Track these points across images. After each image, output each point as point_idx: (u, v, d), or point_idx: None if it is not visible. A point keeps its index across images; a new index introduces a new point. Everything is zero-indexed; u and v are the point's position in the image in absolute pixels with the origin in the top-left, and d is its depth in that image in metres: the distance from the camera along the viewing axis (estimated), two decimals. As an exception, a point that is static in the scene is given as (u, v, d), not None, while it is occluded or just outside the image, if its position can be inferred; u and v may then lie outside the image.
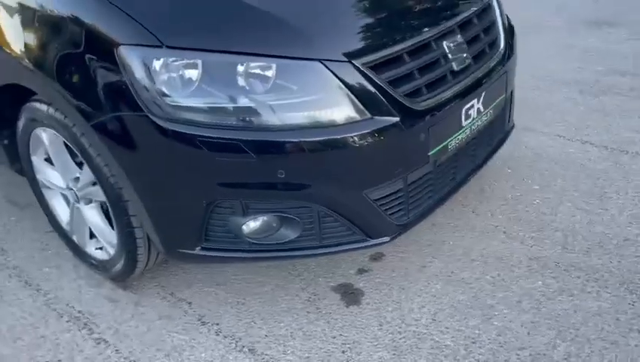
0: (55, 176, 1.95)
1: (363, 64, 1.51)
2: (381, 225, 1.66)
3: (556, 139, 2.68)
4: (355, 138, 1.49)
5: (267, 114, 1.45)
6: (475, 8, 1.90)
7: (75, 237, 2.02)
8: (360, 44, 1.56)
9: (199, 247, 1.63)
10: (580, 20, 4.35)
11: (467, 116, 1.78)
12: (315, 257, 1.70)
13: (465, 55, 1.77)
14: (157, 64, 1.43)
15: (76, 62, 1.51)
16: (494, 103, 1.93)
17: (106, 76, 1.48)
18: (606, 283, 1.82)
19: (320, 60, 1.47)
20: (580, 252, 1.96)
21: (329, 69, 1.47)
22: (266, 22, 1.51)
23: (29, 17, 1.61)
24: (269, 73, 1.46)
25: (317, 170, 1.50)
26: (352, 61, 1.50)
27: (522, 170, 2.44)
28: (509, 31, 2.09)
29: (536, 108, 2.99)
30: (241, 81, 1.44)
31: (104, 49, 1.46)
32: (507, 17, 2.15)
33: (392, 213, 1.67)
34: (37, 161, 1.97)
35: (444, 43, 1.71)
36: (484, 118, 1.88)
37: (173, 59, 1.43)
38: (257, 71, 1.45)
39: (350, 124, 1.50)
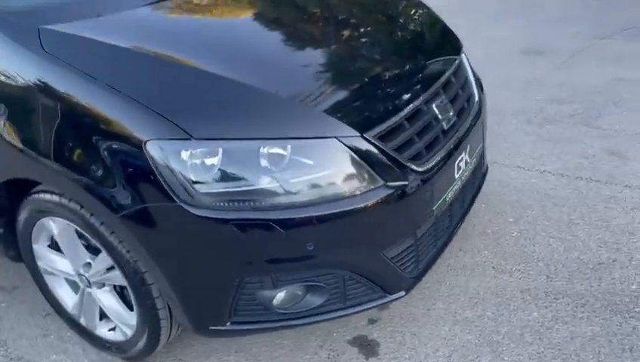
0: (62, 263, 1.92)
1: (373, 136, 1.63)
2: (397, 280, 1.78)
3: (518, 171, 2.92)
4: (374, 204, 1.61)
5: (290, 192, 1.54)
6: (452, 68, 2.08)
7: (82, 321, 2.00)
8: (367, 118, 1.68)
9: (229, 322, 1.67)
10: (511, 51, 4.72)
11: (458, 168, 1.94)
12: (340, 318, 1.79)
13: (451, 113, 1.94)
14: (185, 155, 1.48)
15: (101, 156, 1.53)
16: (476, 152, 2.11)
17: (133, 169, 1.51)
18: (593, 307, 2.03)
19: (335, 137, 1.58)
20: (563, 279, 2.17)
21: (344, 144, 1.58)
22: (284, 106, 1.60)
23: (47, 111, 1.61)
24: (289, 153, 1.54)
25: (342, 238, 1.60)
26: (364, 135, 1.62)
27: (495, 204, 2.65)
28: (478, 83, 2.29)
29: (493, 141, 3.23)
30: (263, 163, 1.52)
31: (131, 143, 1.49)
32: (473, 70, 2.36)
33: (406, 267, 1.79)
34: (39, 248, 1.94)
35: (433, 105, 1.87)
36: (469, 168, 2.05)
37: (201, 149, 1.49)
38: (279, 152, 1.54)
39: (367, 192, 1.61)
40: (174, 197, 1.49)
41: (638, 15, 5.40)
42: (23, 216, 1.88)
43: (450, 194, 1.91)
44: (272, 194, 1.53)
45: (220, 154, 1.50)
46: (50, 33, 1.65)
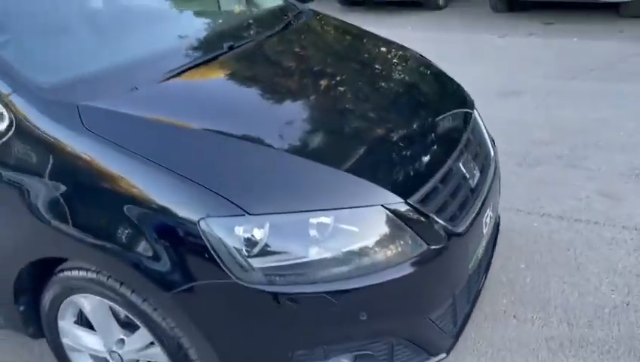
0: (91, 340, 1.85)
1: (415, 201, 1.66)
2: (439, 341, 1.79)
3: (518, 214, 3.01)
4: (421, 269, 1.63)
5: (341, 261, 1.54)
6: (470, 124, 2.15)
7: (110, 398, 1.92)
8: (407, 182, 1.71)
9: (280, 392, 1.64)
10: (488, 93, 4.88)
11: (485, 224, 1.99)
12: (386, 383, 1.79)
13: (475, 171, 2.00)
14: (239, 230, 1.47)
15: (150, 234, 1.50)
16: (496, 206, 2.17)
17: (185, 246, 1.49)
18: (617, 353, 2.09)
19: (381, 204, 1.60)
20: (584, 326, 2.23)
21: (389, 210, 1.60)
22: (330, 175, 1.62)
23: (91, 189, 1.57)
24: (337, 223, 1.56)
25: (394, 305, 1.61)
26: (407, 200, 1.65)
27: (504, 250, 2.71)
28: (491, 138, 2.37)
29: (489, 185, 3.33)
30: (313, 234, 1.53)
31: (184, 221, 1.47)
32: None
33: (446, 327, 1.81)
34: (66, 325, 1.87)
35: (460, 164, 1.93)
36: (492, 222, 2.11)
37: (254, 224, 1.48)
38: (328, 222, 1.55)
39: (415, 257, 1.63)
40: (229, 273, 1.48)
41: (599, 55, 5.71)
42: (49, 294, 1.81)
43: (480, 251, 1.95)
44: (324, 265, 1.53)
45: (273, 228, 1.50)
46: (90, 110, 1.62)
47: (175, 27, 2.25)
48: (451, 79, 2.48)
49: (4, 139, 1.63)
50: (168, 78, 1.84)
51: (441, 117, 2.10)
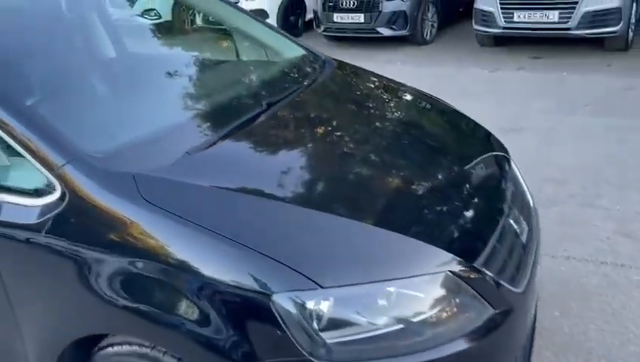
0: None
1: (480, 264, 1.63)
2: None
3: (545, 258, 2.97)
4: (489, 335, 1.58)
5: (413, 332, 1.49)
6: (510, 174, 2.15)
7: None
8: (470, 246, 1.68)
9: None
10: (491, 130, 4.93)
11: (534, 276, 1.97)
12: None
13: (523, 225, 1.98)
14: (313, 304, 1.42)
15: (217, 309, 1.43)
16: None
17: (255, 322, 1.43)
18: (670, 405, 2.06)
19: (449, 270, 1.56)
20: (631, 377, 2.20)
21: (457, 276, 1.56)
22: (398, 242, 1.57)
23: (152, 263, 1.49)
24: (406, 291, 1.51)
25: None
26: (473, 264, 1.61)
27: (536, 297, 2.69)
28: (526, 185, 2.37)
29: (508, 227, 3.32)
30: (384, 304, 1.48)
31: (254, 296, 1.41)
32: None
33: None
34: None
35: (510, 220, 1.91)
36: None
37: (328, 297, 1.43)
38: (398, 291, 1.50)
39: (483, 323, 1.59)
40: (301, 350, 1.41)
41: (592, 89, 5.85)
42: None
43: (533, 305, 1.92)
44: (397, 336, 1.47)
45: (343, 301, 1.45)
46: (147, 179, 1.55)
47: (209, 84, 2.22)
48: (482, 127, 2.49)
49: (56, 211, 1.55)
50: (217, 141, 1.79)
51: (485, 170, 2.09)
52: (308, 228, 1.55)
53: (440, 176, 1.95)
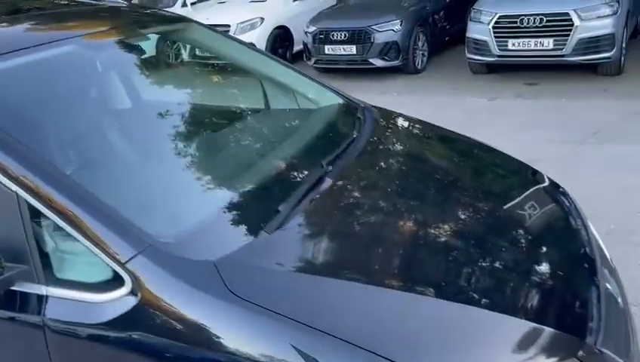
0: None
1: (600, 343, 1.47)
2: None
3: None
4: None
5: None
6: (590, 232, 2.01)
7: None
8: (587, 324, 1.52)
9: None
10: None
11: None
12: None
13: (613, 282, 1.83)
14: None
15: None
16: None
17: None
18: None
19: (576, 357, 1.40)
20: None
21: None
22: (516, 328, 1.41)
23: None
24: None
25: None
26: (596, 346, 1.45)
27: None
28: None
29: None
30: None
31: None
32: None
33: None
34: None
35: (607, 284, 1.76)
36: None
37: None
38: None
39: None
40: None
41: (594, 116, 5.84)
42: None
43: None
44: None
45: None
46: (230, 267, 1.37)
47: (261, 146, 2.05)
48: (557, 185, 2.38)
49: (126, 308, 1.35)
50: (290, 214, 1.61)
51: (564, 230, 1.96)
52: (409, 315, 1.37)
53: (531, 245, 1.80)
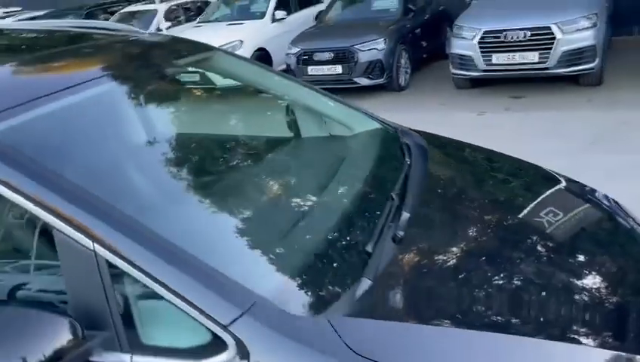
0: None
1: None
2: None
3: None
4: None
5: None
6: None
7: None
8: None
9: None
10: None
11: None
12: None
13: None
14: None
15: None
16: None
17: None
18: None
19: None
20: None
21: None
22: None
23: None
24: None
25: None
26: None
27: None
28: None
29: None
30: None
31: None
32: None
33: None
34: None
35: None
36: None
37: None
38: None
39: None
40: None
41: (587, 125, 5.93)
42: None
43: None
44: None
45: None
46: (344, 323, 1.24)
47: (318, 178, 1.94)
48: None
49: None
50: (381, 254, 1.50)
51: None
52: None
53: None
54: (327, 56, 8.13)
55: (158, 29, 10.60)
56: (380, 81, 8.18)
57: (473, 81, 7.83)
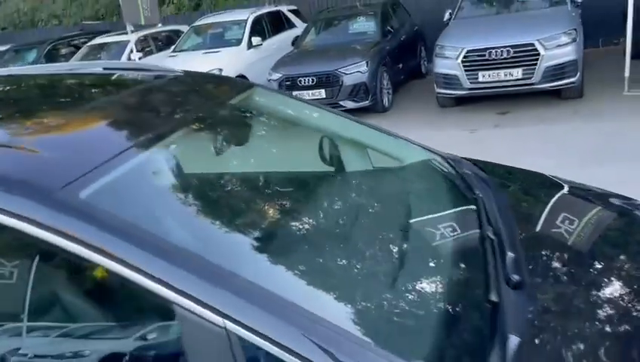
0: None
1: None
2: None
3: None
4: None
5: None
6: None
7: None
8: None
9: None
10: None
11: None
12: None
13: None
14: None
15: None
16: None
17: None
18: None
19: None
20: None
21: None
22: None
23: None
24: None
25: None
26: None
27: None
28: None
29: None
30: None
31: None
32: None
33: None
34: None
35: None
36: None
37: None
38: None
39: None
40: None
41: (583, 137, 6.02)
42: None
43: None
44: None
45: None
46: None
47: (399, 215, 1.81)
48: None
49: None
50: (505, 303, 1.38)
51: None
52: None
53: None
54: (311, 80, 8.07)
55: (130, 60, 10.36)
56: (365, 103, 8.17)
57: (457, 100, 7.90)
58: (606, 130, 6.14)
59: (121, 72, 2.31)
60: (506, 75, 7.15)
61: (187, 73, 2.44)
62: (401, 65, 9.31)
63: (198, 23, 10.72)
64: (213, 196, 1.53)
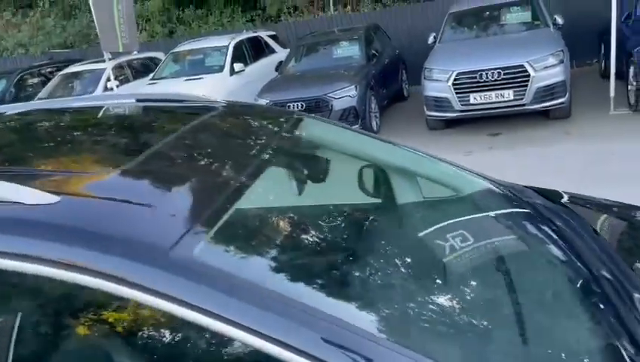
0: None
1: None
2: None
3: None
4: None
5: None
6: None
7: None
8: None
9: None
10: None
11: None
12: None
13: None
14: None
15: None
16: None
17: None
18: None
19: None
20: None
21: None
22: None
23: None
24: None
25: None
26: None
27: None
28: None
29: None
30: None
31: None
32: None
33: None
34: None
35: None
36: None
37: None
38: None
39: None
40: None
41: (580, 158, 6.05)
42: None
43: None
44: None
45: None
46: None
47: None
48: None
49: None
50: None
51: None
52: None
53: None
54: (300, 106, 7.95)
55: (107, 88, 10.06)
56: (356, 127, 8.07)
57: (447, 122, 7.90)
58: (602, 151, 6.19)
59: (163, 103, 2.12)
60: (497, 97, 7.19)
61: (232, 103, 2.28)
62: (385, 89, 9.32)
63: (177, 49, 10.52)
64: (318, 242, 1.36)
